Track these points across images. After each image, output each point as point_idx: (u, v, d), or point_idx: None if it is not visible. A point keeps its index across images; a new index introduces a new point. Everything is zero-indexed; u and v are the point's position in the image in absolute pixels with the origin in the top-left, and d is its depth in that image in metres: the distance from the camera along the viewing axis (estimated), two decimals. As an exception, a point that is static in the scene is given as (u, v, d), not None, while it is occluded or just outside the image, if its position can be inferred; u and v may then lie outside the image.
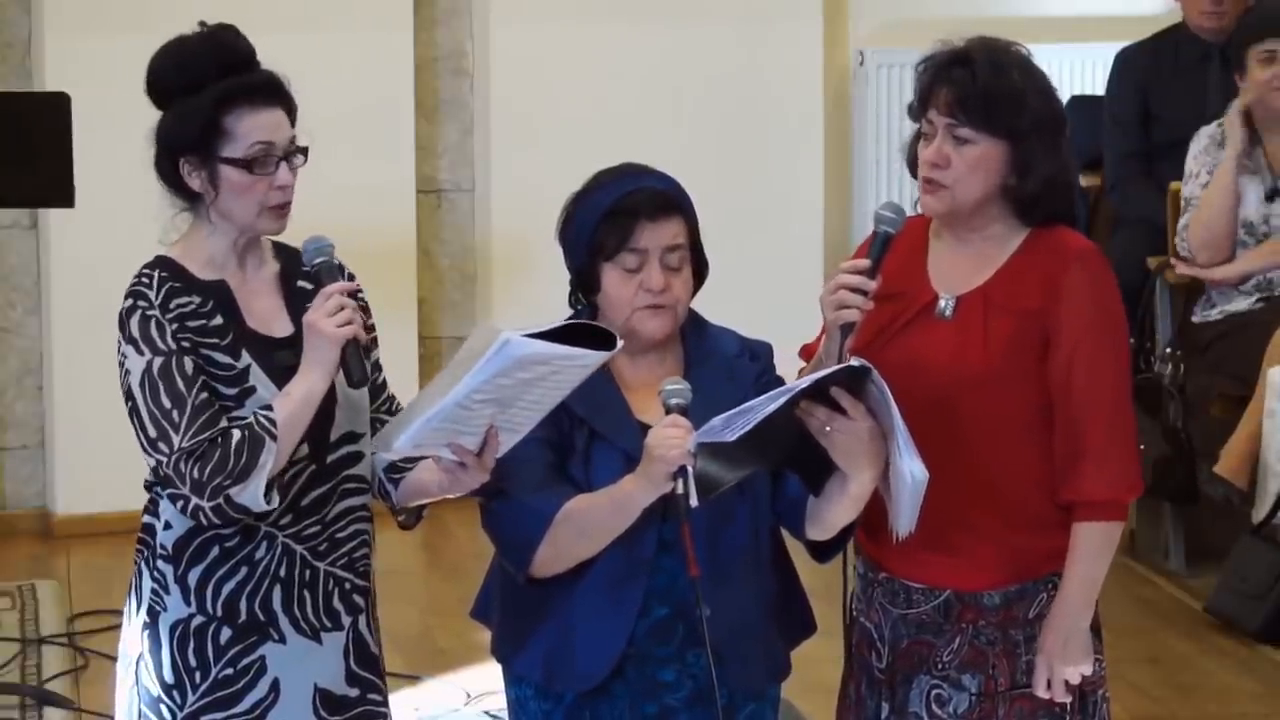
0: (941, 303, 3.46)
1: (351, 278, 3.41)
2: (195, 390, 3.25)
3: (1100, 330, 3.42)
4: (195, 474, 3.21)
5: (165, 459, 3.23)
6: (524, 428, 3.21)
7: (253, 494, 3.21)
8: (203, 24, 3.36)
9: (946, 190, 3.42)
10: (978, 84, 3.38)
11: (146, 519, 3.39)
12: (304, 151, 3.35)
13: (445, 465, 3.24)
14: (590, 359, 3.11)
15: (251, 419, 3.24)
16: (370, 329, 3.46)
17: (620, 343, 3.15)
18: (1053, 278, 3.41)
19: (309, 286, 3.36)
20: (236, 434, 3.22)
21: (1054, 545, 3.44)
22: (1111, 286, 3.49)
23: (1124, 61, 7.06)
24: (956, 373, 3.39)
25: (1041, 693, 3.44)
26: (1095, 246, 3.54)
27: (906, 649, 3.51)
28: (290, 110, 3.34)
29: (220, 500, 3.21)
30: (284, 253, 3.43)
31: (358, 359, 3.25)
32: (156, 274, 3.33)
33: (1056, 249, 3.44)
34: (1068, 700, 3.46)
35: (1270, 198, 6.28)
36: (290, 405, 3.24)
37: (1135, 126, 6.94)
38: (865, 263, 3.37)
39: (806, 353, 3.56)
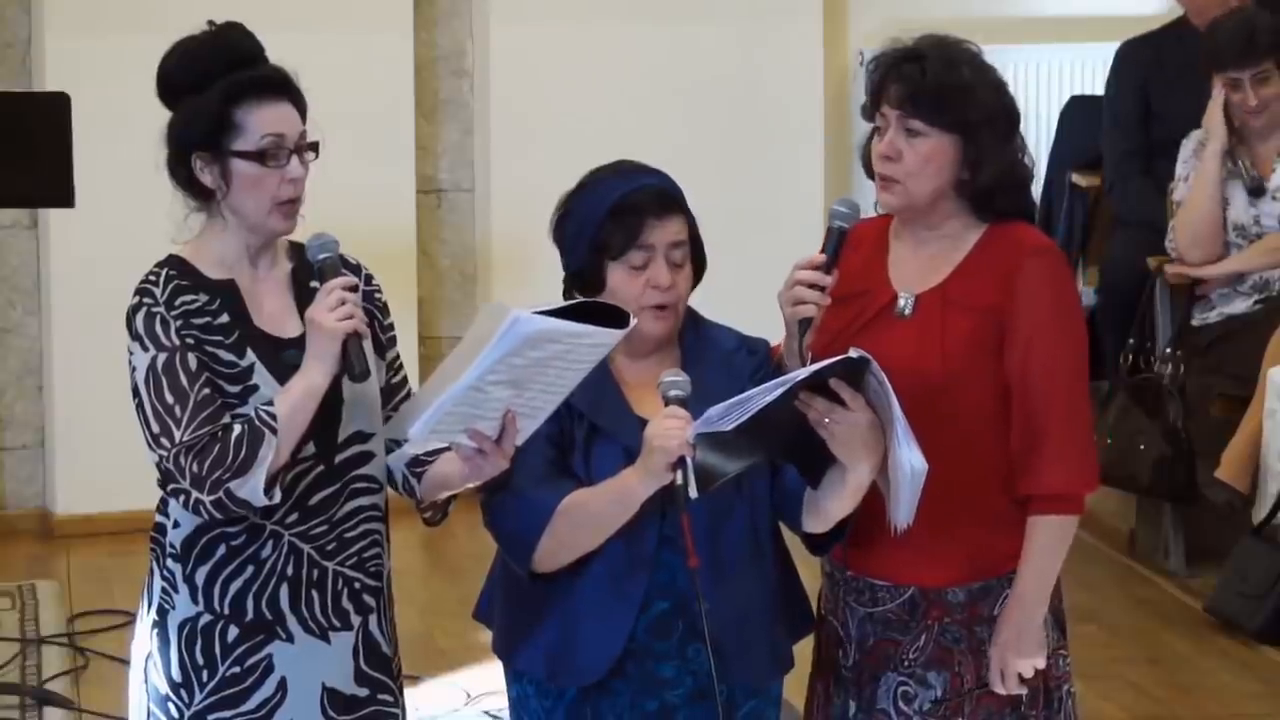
0: (901, 301, 3.48)
1: (370, 278, 3.44)
2: (198, 386, 3.26)
3: (1056, 325, 3.43)
4: (195, 468, 3.22)
5: (166, 454, 3.24)
6: (542, 412, 3.20)
7: (253, 488, 3.21)
8: (211, 23, 3.38)
9: (901, 185, 3.44)
10: (928, 78, 3.41)
11: (159, 518, 3.41)
12: (314, 147, 3.35)
13: (465, 453, 3.23)
14: (603, 336, 3.11)
15: (252, 413, 3.24)
16: (389, 328, 3.48)
17: (634, 320, 3.16)
18: (1008, 273, 3.43)
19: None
20: (237, 428, 3.23)
21: (1018, 543, 3.45)
22: (1067, 281, 3.51)
23: (1124, 57, 7.01)
24: (916, 371, 3.40)
25: (997, 687, 3.46)
26: (1051, 242, 3.57)
27: (873, 647, 3.51)
28: (300, 105, 3.35)
29: (221, 494, 3.22)
30: (298, 253, 3.43)
31: (359, 353, 3.25)
32: (165, 272, 3.35)
33: (1012, 245, 3.46)
34: (1022, 693, 3.47)
35: (1254, 193, 6.29)
36: (291, 399, 3.24)
37: (1135, 124, 6.91)
38: (821, 258, 3.40)
39: (774, 353, 3.57)
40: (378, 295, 3.47)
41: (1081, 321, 3.53)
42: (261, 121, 3.30)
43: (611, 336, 3.12)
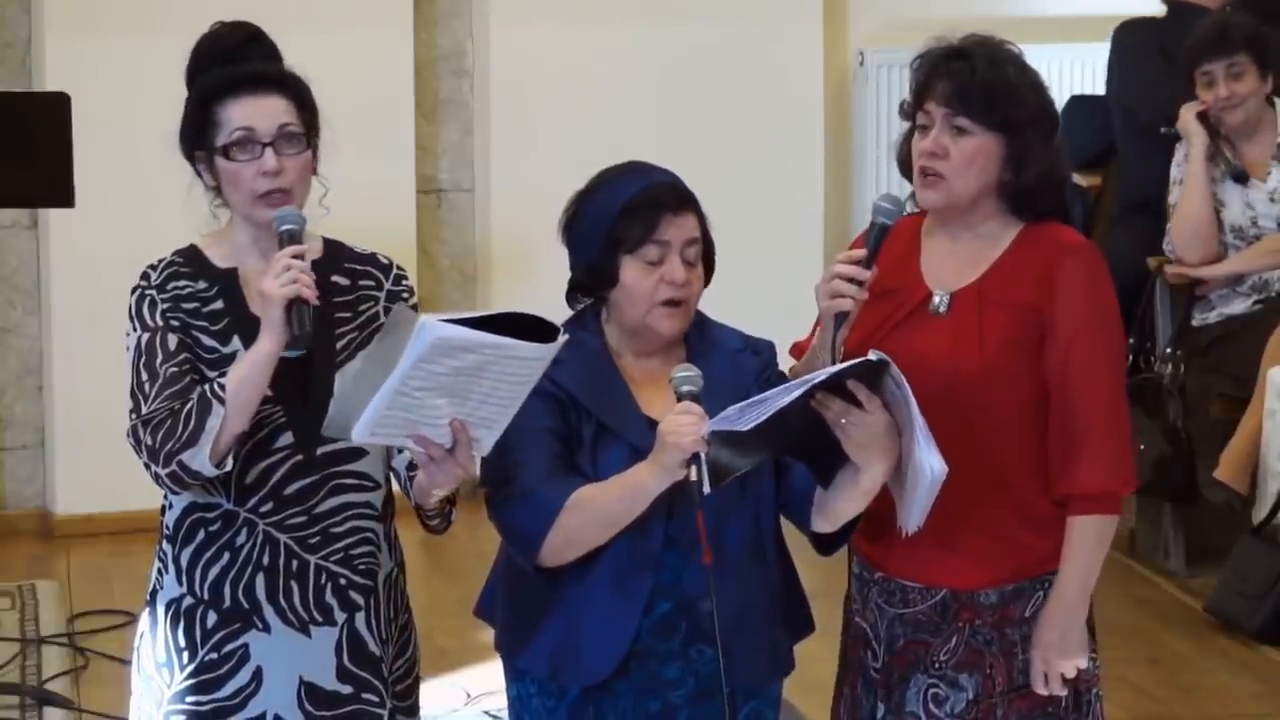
0: (936, 299, 3.47)
1: (401, 279, 3.46)
2: (170, 365, 3.28)
3: (1094, 324, 3.43)
4: (149, 441, 3.24)
5: (130, 428, 3.26)
6: (496, 423, 3.15)
7: (201, 459, 3.22)
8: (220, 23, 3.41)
9: (944, 182, 3.43)
10: (976, 76, 3.41)
11: (162, 500, 3.43)
12: (297, 137, 3.34)
13: (419, 460, 3.22)
14: (530, 351, 3.05)
15: (204, 387, 3.25)
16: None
17: (564, 337, 3.10)
18: (1047, 272, 3.42)
19: (344, 282, 3.38)
20: (191, 402, 3.24)
21: (1050, 544, 3.45)
22: (1105, 280, 3.50)
23: (1128, 28, 6.99)
24: (952, 369, 3.40)
25: (1039, 688, 3.45)
26: (1089, 241, 3.57)
27: (903, 648, 3.51)
28: (291, 97, 3.35)
29: (175, 467, 3.23)
30: (330, 250, 3.45)
31: (299, 318, 3.22)
32: (169, 258, 3.39)
33: (1050, 243, 3.46)
34: (1063, 694, 3.47)
35: (1237, 179, 6.29)
36: (239, 369, 3.25)
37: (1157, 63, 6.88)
38: (861, 253, 3.39)
39: (797, 350, 3.57)
40: (405, 296, 3.47)
41: (1119, 320, 3.52)
42: (233, 116, 3.32)
43: (541, 351, 3.05)
